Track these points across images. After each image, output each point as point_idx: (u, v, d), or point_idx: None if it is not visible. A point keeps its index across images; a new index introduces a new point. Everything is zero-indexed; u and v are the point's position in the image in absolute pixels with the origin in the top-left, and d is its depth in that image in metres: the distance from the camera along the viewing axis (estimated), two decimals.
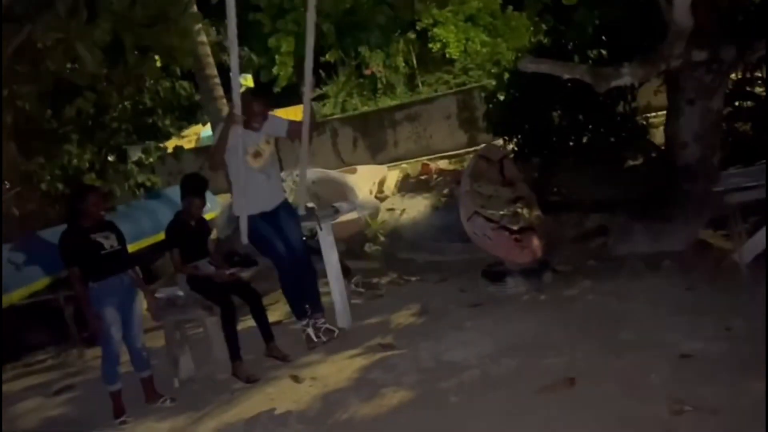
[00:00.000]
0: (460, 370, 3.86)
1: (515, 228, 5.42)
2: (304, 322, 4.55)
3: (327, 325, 4.55)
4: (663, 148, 6.59)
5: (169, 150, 9.88)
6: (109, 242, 4.27)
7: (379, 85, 15.74)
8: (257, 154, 4.30)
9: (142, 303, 4.47)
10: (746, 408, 2.77)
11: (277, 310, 6.44)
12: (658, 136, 7.47)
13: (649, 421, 2.80)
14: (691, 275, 4.79)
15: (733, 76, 6.54)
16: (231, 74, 4.01)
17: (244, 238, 4.35)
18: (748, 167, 4.48)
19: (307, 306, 4.57)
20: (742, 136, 7.13)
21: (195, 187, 4.74)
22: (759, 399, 2.80)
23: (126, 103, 8.61)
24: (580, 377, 3.38)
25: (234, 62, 3.95)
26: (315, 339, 4.49)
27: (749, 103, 7.28)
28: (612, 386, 3.22)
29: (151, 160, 9.29)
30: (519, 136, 8.11)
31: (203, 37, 7.99)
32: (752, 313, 3.79)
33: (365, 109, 13.88)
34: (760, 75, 7.19)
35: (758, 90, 7.29)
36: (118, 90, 6.33)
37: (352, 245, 8.05)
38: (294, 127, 4.43)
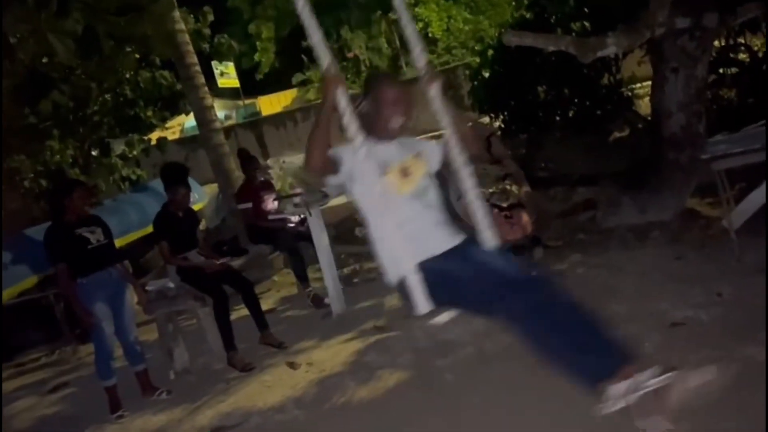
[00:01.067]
0: (455, 347, 3.87)
1: (504, 205, 5.41)
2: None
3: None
4: (649, 118, 6.59)
5: (153, 142, 9.77)
6: (95, 237, 4.24)
7: (363, 68, 15.66)
8: (405, 172, 2.49)
9: (132, 297, 4.44)
10: (738, 373, 2.79)
11: (270, 298, 6.44)
12: (644, 107, 7.48)
13: None
14: (680, 244, 4.82)
15: (716, 43, 6.54)
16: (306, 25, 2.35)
17: (422, 306, 2.31)
18: (734, 134, 4.47)
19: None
20: (727, 103, 7.16)
21: (176, 176, 4.69)
22: (750, 363, 2.83)
23: (106, 95, 8.50)
24: None
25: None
26: None
27: (733, 69, 7.30)
28: None
29: (135, 152, 9.20)
30: (505, 113, 8.09)
31: (181, 25, 7.86)
32: (742, 278, 3.81)
33: (350, 92, 13.81)
34: (743, 41, 7.20)
35: (742, 56, 7.30)
36: (97, 82, 6.20)
37: (342, 230, 8.03)
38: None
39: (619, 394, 2.02)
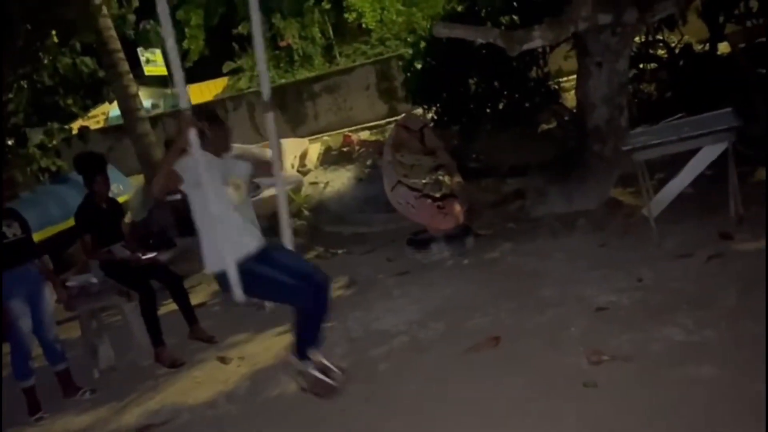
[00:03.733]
0: (390, 337, 3.90)
1: (437, 195, 5.47)
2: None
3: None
4: (575, 111, 6.80)
5: (75, 131, 9.31)
6: (11, 231, 4.03)
7: (296, 57, 15.44)
8: (237, 187, 3.22)
9: (51, 293, 4.23)
10: (658, 353, 2.93)
11: (201, 292, 6.28)
12: (570, 100, 7.70)
13: (569, 372, 2.91)
14: (605, 232, 5.01)
15: (637, 39, 6.80)
16: (171, 62, 3.00)
17: (240, 295, 3.05)
18: (653, 126, 4.68)
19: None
20: (647, 97, 7.48)
21: (92, 165, 4.48)
22: (669, 343, 2.98)
23: (22, 81, 8.01)
24: (504, 335, 3.48)
25: (172, 48, 2.99)
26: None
27: (652, 65, 7.62)
28: (534, 342, 3.33)
29: (54, 142, 8.73)
30: (438, 105, 8.17)
31: (104, 10, 7.50)
32: (661, 264, 4.00)
33: (282, 81, 13.60)
34: (661, 38, 7.53)
35: (660, 52, 7.64)
36: (12, 68, 5.81)
37: (275, 222, 7.91)
38: (261, 169, 3.50)
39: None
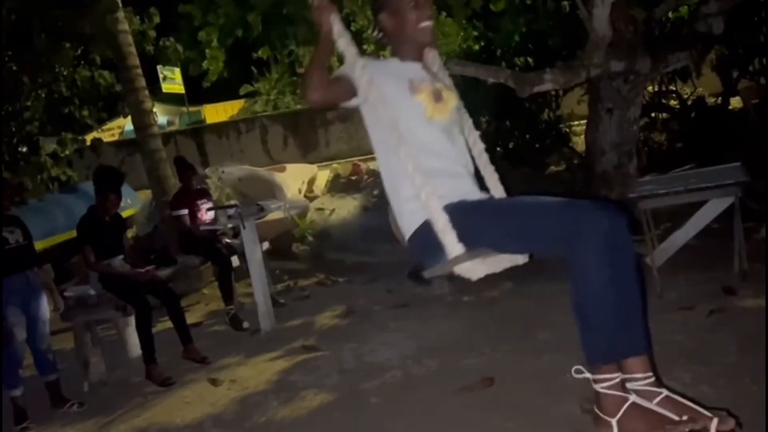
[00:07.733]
0: (382, 370, 3.85)
1: None
2: None
3: None
4: (584, 155, 6.82)
5: (88, 143, 9.40)
6: (13, 237, 4.04)
7: None
8: (438, 96, 2.08)
9: (49, 303, 4.23)
10: None
11: (198, 311, 6.27)
12: (580, 144, 7.74)
13: (561, 419, 2.86)
14: None
15: (649, 88, 6.86)
16: None
17: (455, 249, 1.95)
18: (662, 175, 4.67)
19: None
20: (658, 146, 7.51)
21: (110, 181, 4.52)
22: None
23: (40, 91, 8.12)
24: (498, 377, 3.42)
25: None
26: None
27: (664, 114, 7.67)
28: (528, 386, 3.28)
29: (67, 152, 8.81)
30: None
31: (125, 26, 7.64)
32: (662, 315, 3.94)
33: (298, 108, 13.75)
34: (674, 88, 7.58)
35: (672, 103, 7.69)
36: (29, 76, 5.88)
37: (279, 245, 7.92)
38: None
39: (634, 378, 1.81)
